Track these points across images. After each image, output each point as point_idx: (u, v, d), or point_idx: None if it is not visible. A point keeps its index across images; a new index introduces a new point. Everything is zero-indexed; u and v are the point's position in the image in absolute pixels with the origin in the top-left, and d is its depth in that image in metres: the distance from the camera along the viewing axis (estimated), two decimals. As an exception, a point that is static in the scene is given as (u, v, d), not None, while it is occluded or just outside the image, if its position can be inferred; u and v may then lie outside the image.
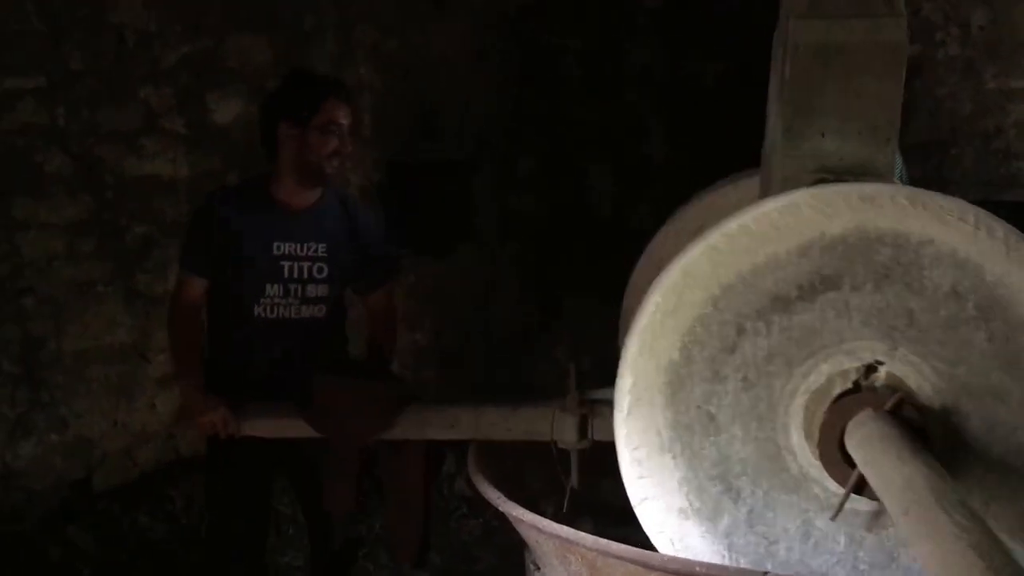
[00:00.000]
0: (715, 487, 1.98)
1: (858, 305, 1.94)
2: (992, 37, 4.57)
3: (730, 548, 1.98)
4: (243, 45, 4.53)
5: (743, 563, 1.98)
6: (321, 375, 2.92)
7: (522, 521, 2.47)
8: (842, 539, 1.98)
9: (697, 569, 2.02)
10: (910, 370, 1.93)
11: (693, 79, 4.79)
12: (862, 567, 1.98)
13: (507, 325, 5.12)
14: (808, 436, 1.96)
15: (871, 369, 1.94)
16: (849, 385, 1.95)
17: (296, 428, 2.91)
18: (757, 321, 1.95)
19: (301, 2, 4.62)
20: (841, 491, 1.95)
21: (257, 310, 3.13)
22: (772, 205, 1.97)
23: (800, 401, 1.96)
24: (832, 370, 1.95)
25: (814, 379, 1.96)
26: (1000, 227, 1.91)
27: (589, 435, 2.64)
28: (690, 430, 1.97)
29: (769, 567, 1.98)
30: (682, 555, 2.00)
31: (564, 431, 2.65)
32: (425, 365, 5.05)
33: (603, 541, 2.26)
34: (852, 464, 1.91)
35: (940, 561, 1.41)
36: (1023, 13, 4.50)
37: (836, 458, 1.93)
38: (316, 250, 3.16)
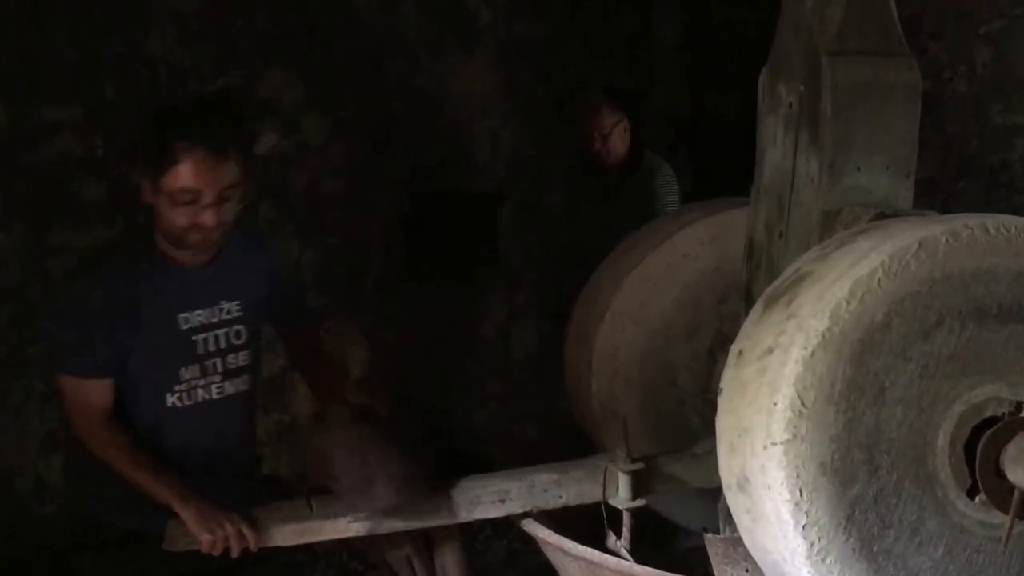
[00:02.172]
0: (860, 455, 1.95)
1: None
2: (997, 75, 4.80)
3: (849, 518, 1.94)
4: (276, 79, 4.58)
5: (855, 534, 1.94)
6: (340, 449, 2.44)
7: (548, 543, 2.44)
8: (941, 549, 2.00)
9: None
10: None
11: (715, 112, 4.95)
12: None
13: (528, 352, 5.14)
14: (951, 445, 1.98)
15: (1020, 407, 2.00)
16: (998, 414, 1.99)
17: (331, 530, 2.44)
18: (955, 320, 1.98)
19: (331, 38, 4.69)
20: (956, 504, 1.98)
21: (171, 399, 2.48)
22: (1012, 221, 2.03)
23: (957, 409, 1.99)
24: (992, 394, 2.00)
25: (976, 394, 1.99)
26: None
27: (645, 492, 2.54)
28: (861, 393, 1.94)
29: (874, 549, 1.95)
30: (806, 508, 1.92)
31: (617, 490, 2.55)
32: (447, 390, 4.98)
33: (627, 563, 2.30)
34: (1010, 487, 1.94)
35: None
36: (1025, 51, 4.75)
37: (995, 481, 1.97)
38: (229, 311, 2.54)
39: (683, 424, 2.87)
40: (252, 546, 2.34)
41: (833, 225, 2.35)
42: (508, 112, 4.91)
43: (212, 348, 2.51)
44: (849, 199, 2.36)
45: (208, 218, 2.32)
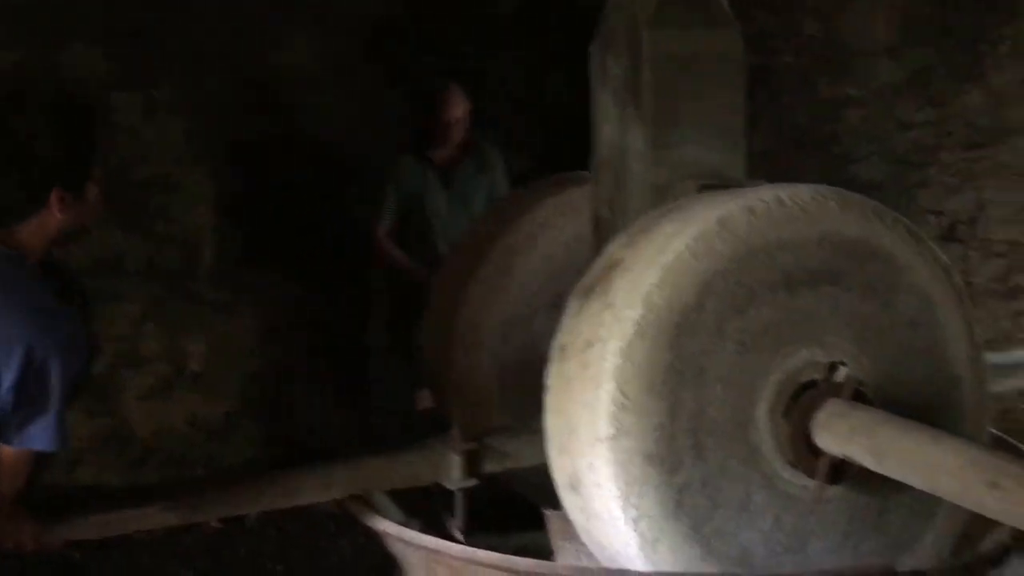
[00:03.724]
0: (685, 440, 1.94)
1: (845, 306, 2.04)
2: (823, 46, 4.76)
3: (679, 504, 1.95)
4: (78, 54, 4.20)
5: (685, 520, 1.95)
6: None
7: (388, 534, 2.37)
8: (770, 519, 2.02)
9: (561, 571, 2.05)
10: (863, 376, 2.05)
11: (554, 91, 4.90)
12: (778, 548, 2.03)
13: (380, 344, 4.99)
14: (771, 415, 2.00)
15: (833, 367, 2.02)
16: (815, 377, 2.02)
17: (141, 520, 2.42)
18: (766, 292, 1.98)
19: (140, 8, 4.43)
20: (782, 474, 2.01)
21: None
22: (805, 189, 2.03)
23: (775, 378, 2.00)
24: (808, 358, 2.02)
25: (792, 362, 2.01)
26: (959, 279, 2.15)
27: (478, 472, 2.51)
28: (681, 377, 1.93)
29: (705, 531, 1.98)
30: (635, 501, 1.94)
31: (448, 471, 2.52)
32: (289, 386, 4.68)
33: (469, 549, 2.24)
34: (818, 453, 1.97)
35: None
36: (850, 22, 4.68)
37: (804, 449, 1.99)
38: None
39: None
40: (36, 544, 2.29)
41: (664, 199, 2.32)
42: (338, 89, 4.76)
43: None
44: (679, 172, 2.33)
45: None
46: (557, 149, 4.21)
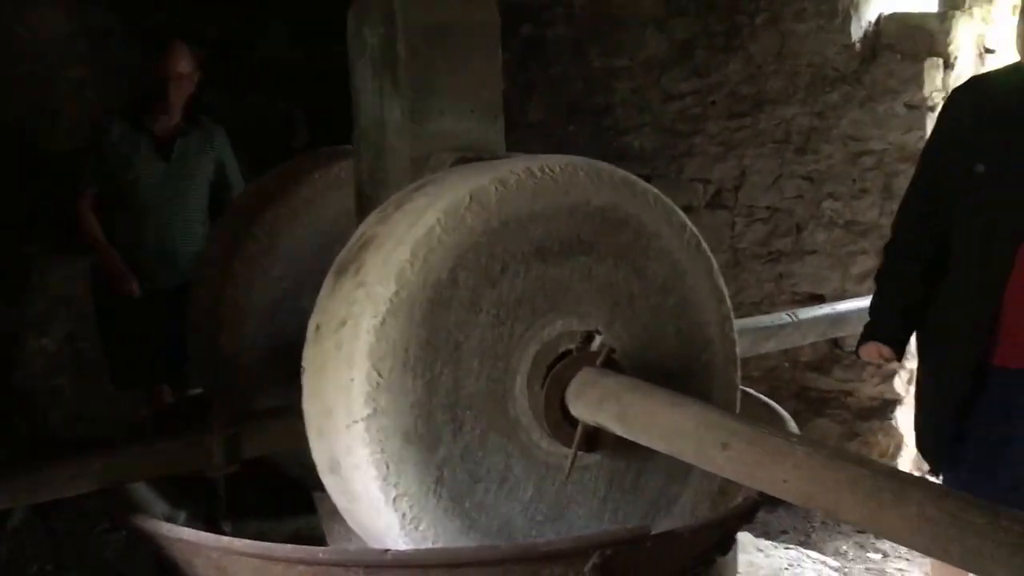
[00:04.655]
0: (442, 416, 1.94)
1: (598, 275, 2.09)
2: (593, 17, 4.83)
3: (439, 480, 1.95)
4: None
5: (445, 496, 1.96)
6: None
7: (142, 529, 2.28)
8: (530, 490, 2.05)
9: (320, 556, 2.00)
10: (617, 343, 2.10)
11: (326, 65, 4.79)
12: (539, 518, 2.07)
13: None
14: (529, 387, 2.02)
15: (589, 337, 2.07)
16: (571, 347, 2.05)
17: None
18: (520, 264, 2.00)
19: None
20: (541, 444, 2.04)
21: None
22: (556, 160, 2.05)
23: (532, 350, 2.03)
24: (564, 329, 2.06)
25: (548, 332, 2.04)
26: (704, 245, 2.23)
27: (238, 457, 2.46)
28: (436, 353, 1.93)
29: (466, 505, 1.99)
30: (394, 481, 1.93)
31: (208, 457, 2.46)
32: (57, 373, 4.51)
33: (225, 539, 2.18)
34: (574, 422, 2.00)
35: (811, 478, 1.59)
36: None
37: (559, 417, 2.02)
38: None
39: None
40: None
41: (421, 172, 2.29)
42: (100, 65, 4.48)
43: None
44: (437, 144, 2.31)
45: None
46: (330, 122, 4.13)
